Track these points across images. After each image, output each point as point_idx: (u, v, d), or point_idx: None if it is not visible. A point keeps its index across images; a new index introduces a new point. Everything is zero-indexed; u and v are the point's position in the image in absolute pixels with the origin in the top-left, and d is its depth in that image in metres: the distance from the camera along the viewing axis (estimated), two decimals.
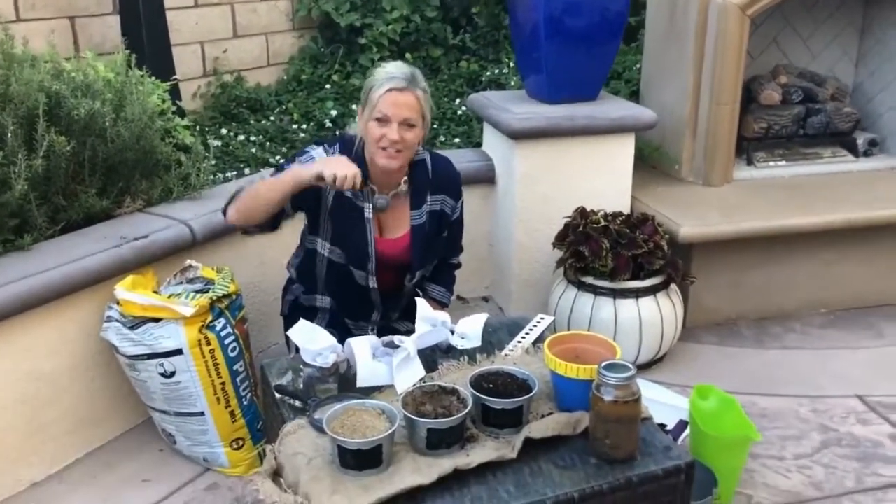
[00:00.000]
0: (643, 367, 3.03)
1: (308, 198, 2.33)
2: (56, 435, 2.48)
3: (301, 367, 2.04)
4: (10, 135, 2.37)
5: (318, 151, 2.36)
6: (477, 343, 2.16)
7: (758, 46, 3.91)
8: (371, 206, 2.38)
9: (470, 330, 2.15)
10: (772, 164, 3.80)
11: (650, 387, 2.82)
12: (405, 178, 2.41)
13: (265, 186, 2.26)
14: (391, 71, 2.28)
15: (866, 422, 2.73)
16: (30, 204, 2.47)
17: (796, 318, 3.45)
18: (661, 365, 3.09)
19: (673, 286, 3.02)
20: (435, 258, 2.56)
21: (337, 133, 2.52)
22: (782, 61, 3.99)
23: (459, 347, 2.13)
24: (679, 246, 3.17)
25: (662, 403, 2.65)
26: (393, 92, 2.23)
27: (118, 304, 2.40)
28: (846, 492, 2.40)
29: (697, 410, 2.33)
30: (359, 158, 2.35)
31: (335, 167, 2.16)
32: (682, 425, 2.45)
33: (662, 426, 2.45)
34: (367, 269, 2.42)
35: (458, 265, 2.72)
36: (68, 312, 2.45)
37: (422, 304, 2.14)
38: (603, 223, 2.92)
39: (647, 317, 2.91)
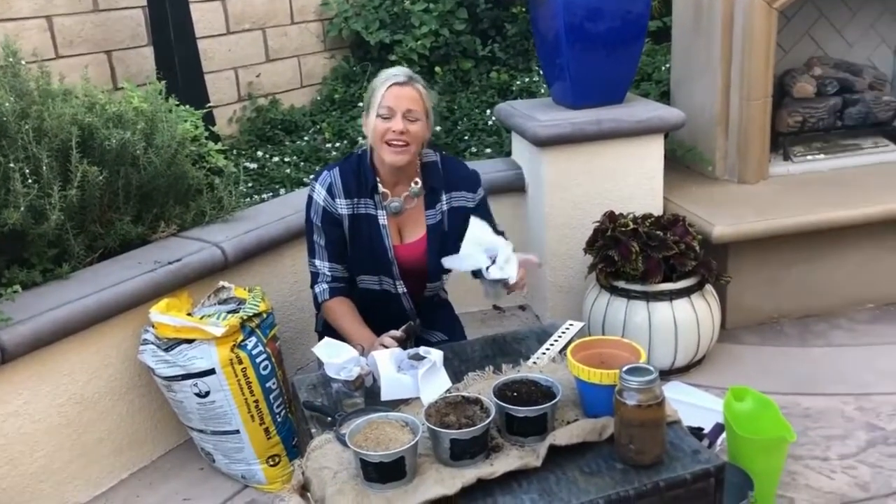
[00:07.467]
0: (681, 371, 2.98)
1: (338, 236, 2.42)
2: (100, 457, 2.55)
3: (329, 382, 2.06)
4: (44, 167, 2.46)
5: (319, 193, 2.41)
6: (510, 275, 2.13)
7: (790, 39, 3.84)
8: (384, 212, 2.40)
9: (503, 261, 2.13)
10: (810, 158, 3.71)
11: (687, 390, 2.79)
12: (416, 179, 2.43)
13: (332, 323, 2.45)
14: (390, 71, 2.36)
15: None
16: (67, 234, 2.55)
17: (841, 314, 3.36)
18: (701, 367, 3.04)
19: (708, 287, 2.97)
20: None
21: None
22: (817, 53, 3.91)
23: (491, 277, 2.12)
24: (714, 246, 3.12)
25: (699, 407, 2.61)
26: (394, 87, 2.30)
27: (153, 326, 2.46)
28: (893, 492, 2.32)
29: (732, 413, 2.28)
30: (367, 168, 2.39)
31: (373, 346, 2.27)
32: (718, 428, 2.40)
33: (699, 430, 2.42)
34: (393, 274, 2.44)
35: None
36: (107, 337, 2.52)
37: (477, 223, 2.17)
38: (632, 226, 2.89)
39: (682, 319, 2.87)
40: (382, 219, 2.41)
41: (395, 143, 2.29)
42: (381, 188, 2.40)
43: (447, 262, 2.19)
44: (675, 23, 3.84)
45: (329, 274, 2.45)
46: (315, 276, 2.49)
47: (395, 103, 2.28)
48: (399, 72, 2.34)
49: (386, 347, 2.24)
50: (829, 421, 2.67)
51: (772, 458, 2.22)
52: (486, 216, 2.53)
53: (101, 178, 2.56)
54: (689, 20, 3.67)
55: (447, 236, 2.44)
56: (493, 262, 2.13)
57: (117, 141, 2.64)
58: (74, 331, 2.41)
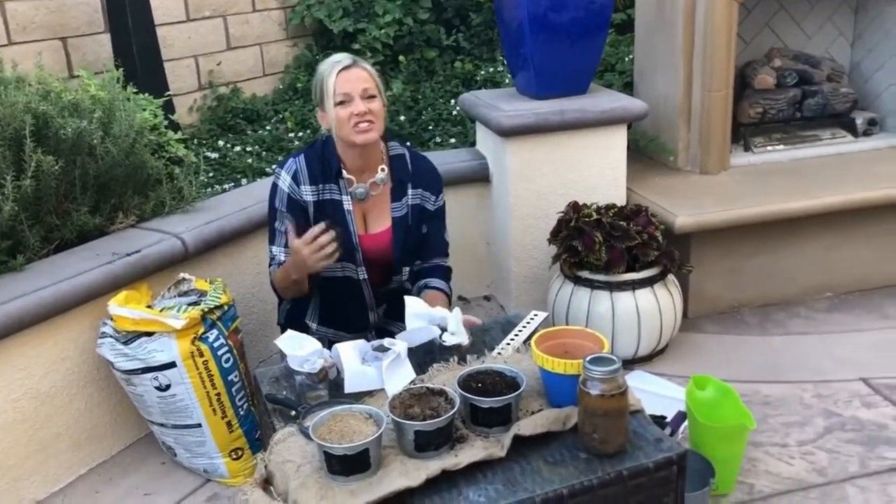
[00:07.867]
0: (644, 360, 3.00)
1: (302, 222, 2.38)
2: (57, 452, 2.50)
3: (292, 374, 2.04)
4: None
5: (284, 181, 2.39)
6: (464, 339, 2.14)
7: (751, 31, 3.88)
8: (349, 197, 2.39)
9: (455, 326, 2.14)
10: (770, 148, 3.76)
11: (650, 379, 2.81)
12: (383, 166, 2.41)
13: (282, 283, 2.40)
14: (331, 59, 2.35)
15: (871, 405, 2.70)
16: (21, 225, 2.49)
17: (800, 303, 3.41)
18: (664, 356, 3.07)
19: (670, 277, 2.99)
20: (416, 254, 2.54)
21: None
22: (777, 45, 3.95)
23: (447, 344, 2.12)
24: (676, 236, 3.14)
25: (662, 396, 2.64)
26: (343, 72, 2.29)
27: (112, 319, 2.41)
28: (849, 477, 2.36)
29: (694, 401, 2.31)
30: (332, 153, 2.38)
31: (315, 262, 2.22)
32: (680, 416, 2.42)
33: (662, 418, 2.44)
34: (356, 259, 2.42)
35: (450, 269, 2.68)
36: (64, 330, 2.47)
37: (412, 300, 2.14)
38: (595, 216, 2.90)
39: (645, 308, 2.89)
40: (347, 204, 2.40)
41: (361, 123, 2.28)
42: (345, 174, 2.38)
43: (401, 339, 2.15)
44: (638, 14, 3.85)
45: (284, 260, 2.43)
46: (271, 262, 2.47)
47: (350, 87, 2.28)
48: (341, 57, 2.34)
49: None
50: (788, 408, 2.71)
51: (733, 445, 2.25)
52: (441, 225, 2.56)
53: (56, 167, 2.50)
54: (652, 11, 3.69)
55: (411, 230, 2.44)
56: (444, 330, 2.15)
57: (73, 130, 2.57)
58: (30, 324, 2.36)
